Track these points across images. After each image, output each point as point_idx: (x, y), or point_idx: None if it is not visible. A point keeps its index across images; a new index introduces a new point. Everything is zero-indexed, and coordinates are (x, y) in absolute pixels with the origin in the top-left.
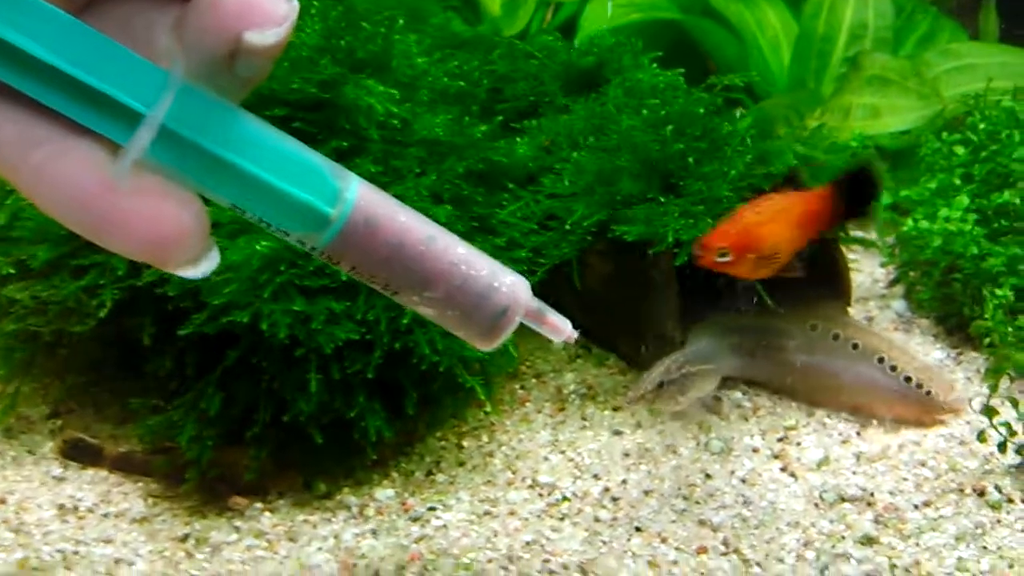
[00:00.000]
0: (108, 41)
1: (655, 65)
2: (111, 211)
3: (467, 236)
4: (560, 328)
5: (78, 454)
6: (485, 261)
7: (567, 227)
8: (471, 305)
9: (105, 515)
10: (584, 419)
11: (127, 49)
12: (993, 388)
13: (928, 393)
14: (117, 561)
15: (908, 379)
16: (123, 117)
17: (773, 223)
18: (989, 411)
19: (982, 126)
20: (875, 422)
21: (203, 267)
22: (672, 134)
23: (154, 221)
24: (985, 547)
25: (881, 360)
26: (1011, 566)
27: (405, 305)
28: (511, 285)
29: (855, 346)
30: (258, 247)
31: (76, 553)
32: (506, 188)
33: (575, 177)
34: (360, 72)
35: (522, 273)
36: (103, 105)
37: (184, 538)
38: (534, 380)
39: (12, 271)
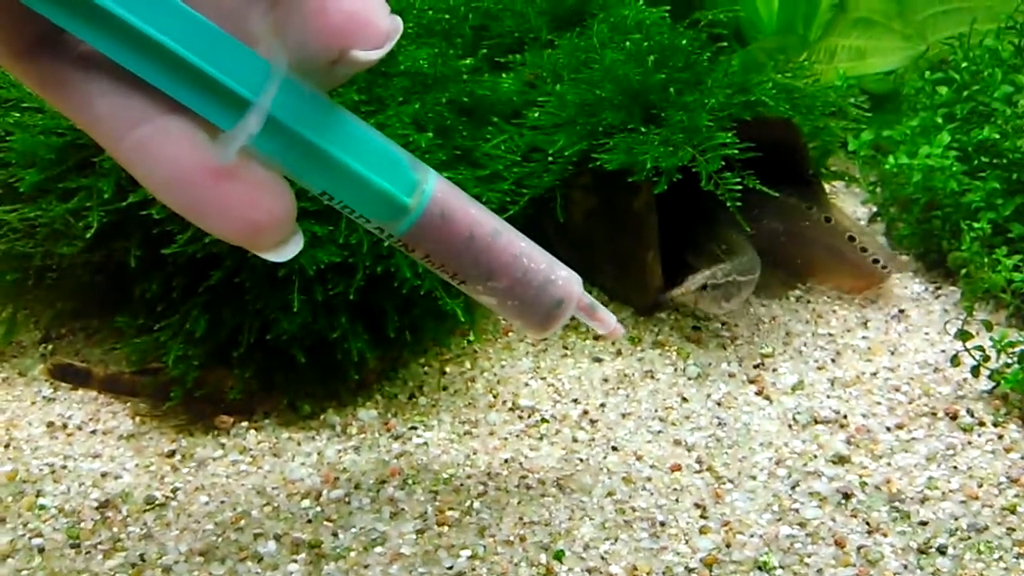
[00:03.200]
0: (214, 28)
1: (641, 2)
2: (211, 195)
3: (449, 165)
4: (607, 322)
5: (66, 376)
6: (543, 256)
7: (549, 158)
8: (531, 296)
9: (93, 432)
10: (566, 348)
11: (232, 37)
12: (969, 310)
13: (886, 268)
14: (104, 474)
15: (876, 260)
16: (229, 102)
17: None
18: (964, 335)
19: (964, 65)
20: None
21: (289, 250)
22: (654, 65)
23: (251, 207)
24: (955, 467)
25: (852, 239)
26: (980, 485)
27: (469, 294)
28: (566, 279)
29: (827, 219)
30: None
31: (64, 467)
32: (491, 122)
33: (558, 109)
34: None
35: (504, 205)
36: (211, 89)
37: (170, 454)
38: None
39: (0, 191)
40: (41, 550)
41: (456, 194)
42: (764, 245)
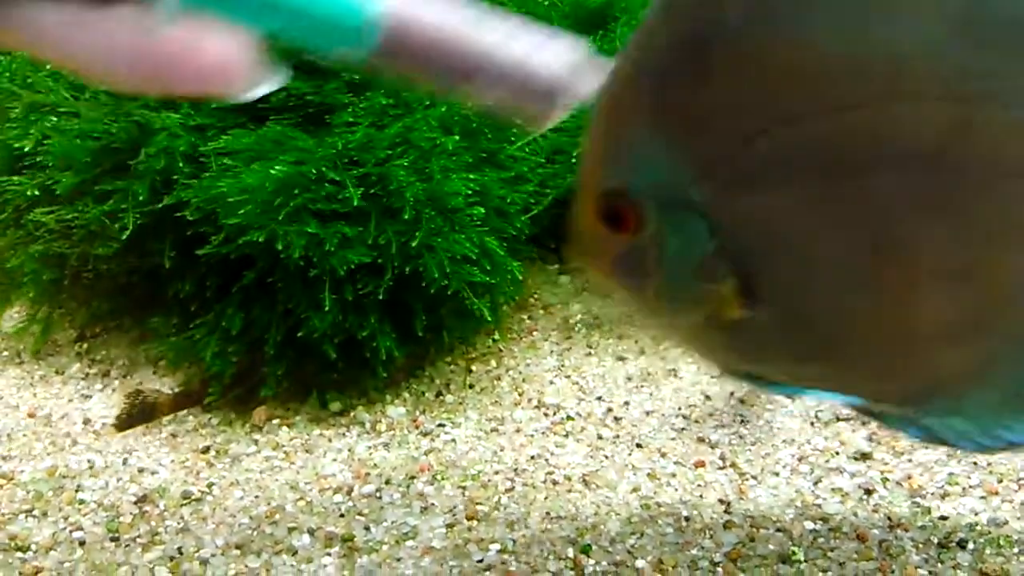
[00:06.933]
0: None
1: None
2: (161, 56)
3: (475, 167)
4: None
5: (137, 415)
6: (532, 35)
7: (573, 159)
8: (521, 83)
9: (130, 429)
10: (589, 347)
11: None
12: None
13: None
14: (141, 470)
15: None
16: None
17: None
18: None
19: None
20: None
21: (267, 86)
22: None
23: (201, 54)
24: (975, 463)
25: None
26: (999, 481)
27: (460, 98)
28: (557, 55)
29: None
30: (272, 171)
31: (102, 463)
32: (515, 124)
33: (581, 111)
34: None
35: (528, 205)
36: None
37: (205, 450)
38: (542, 311)
39: (38, 193)
40: (82, 543)
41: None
42: None
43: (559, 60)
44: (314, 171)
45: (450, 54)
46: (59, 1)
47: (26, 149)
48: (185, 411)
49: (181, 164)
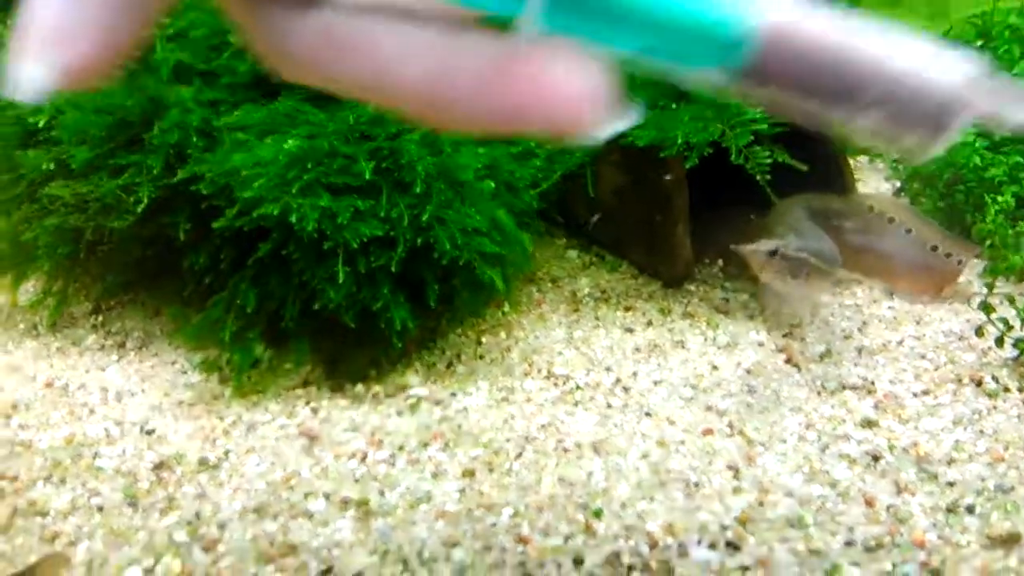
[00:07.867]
0: None
1: None
2: (510, 91)
3: (485, 142)
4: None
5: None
6: (916, 46)
7: None
8: (908, 103)
9: (145, 397)
10: (597, 319)
11: None
12: (990, 287)
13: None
14: (158, 438)
15: (959, 262)
16: None
17: None
18: (987, 307)
19: (980, 43)
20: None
21: (619, 124)
22: None
23: (552, 89)
24: (982, 431)
25: (935, 248)
26: (1006, 448)
27: (838, 122)
28: (951, 69)
29: (908, 231)
30: (286, 145)
31: (119, 431)
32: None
33: None
34: None
35: (536, 180)
36: None
37: (221, 418)
38: (550, 284)
39: (52, 167)
40: (100, 508)
41: (791, 5)
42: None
43: (954, 75)
44: (326, 145)
45: (831, 73)
46: (386, 21)
47: (40, 124)
48: (201, 379)
49: (195, 138)
